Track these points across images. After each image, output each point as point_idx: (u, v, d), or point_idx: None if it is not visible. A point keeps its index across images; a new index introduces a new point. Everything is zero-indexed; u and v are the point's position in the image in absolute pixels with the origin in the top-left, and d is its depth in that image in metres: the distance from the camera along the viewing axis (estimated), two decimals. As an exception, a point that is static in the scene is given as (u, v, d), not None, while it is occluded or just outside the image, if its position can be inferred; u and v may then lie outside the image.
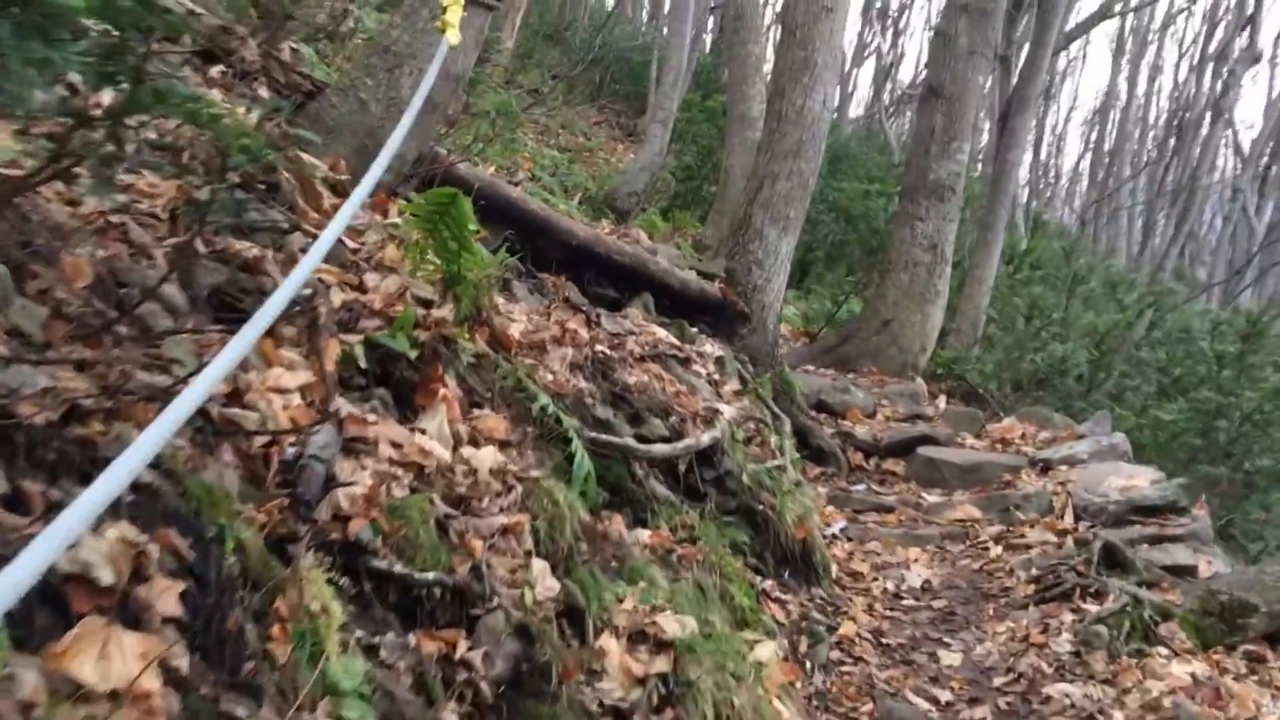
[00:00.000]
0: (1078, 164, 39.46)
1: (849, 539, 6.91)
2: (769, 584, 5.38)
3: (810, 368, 9.93)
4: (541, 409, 4.02)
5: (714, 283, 7.80)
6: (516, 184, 11.77)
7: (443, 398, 3.57)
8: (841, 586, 6.15)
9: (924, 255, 10.09)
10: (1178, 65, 36.83)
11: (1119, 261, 17.26)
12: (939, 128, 10.37)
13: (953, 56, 10.56)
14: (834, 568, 6.25)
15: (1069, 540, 6.44)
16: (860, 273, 14.48)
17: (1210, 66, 30.01)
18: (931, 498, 7.50)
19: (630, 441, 4.80)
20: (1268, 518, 8.50)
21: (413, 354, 3.59)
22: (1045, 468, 7.70)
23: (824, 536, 6.69)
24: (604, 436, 4.70)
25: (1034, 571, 6.11)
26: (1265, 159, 28.94)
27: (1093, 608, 5.49)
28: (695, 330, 7.22)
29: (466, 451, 3.53)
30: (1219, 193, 31.68)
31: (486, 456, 3.54)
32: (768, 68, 12.29)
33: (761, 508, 5.70)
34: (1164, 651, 5.26)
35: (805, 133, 8.05)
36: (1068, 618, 5.45)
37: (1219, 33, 30.54)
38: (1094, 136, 36.87)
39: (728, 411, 5.81)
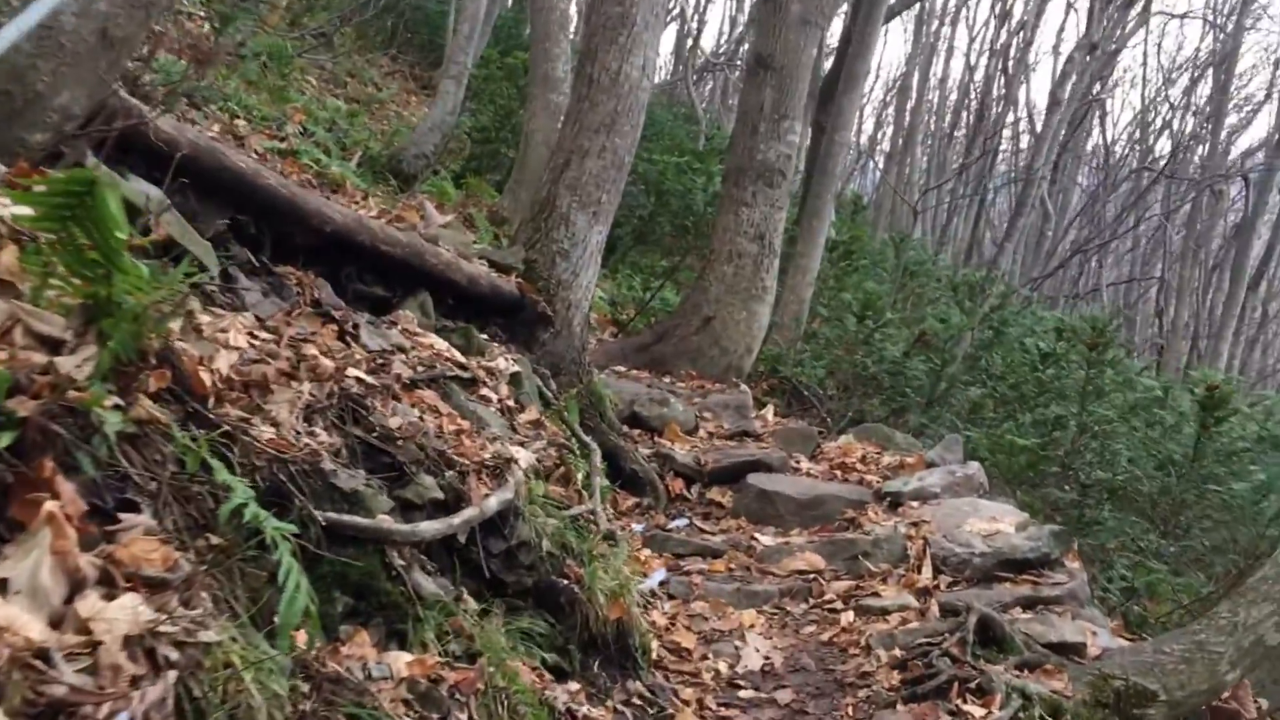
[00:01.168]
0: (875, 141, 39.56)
1: (670, 596, 5.74)
2: (573, 690, 4.12)
3: (621, 368, 8.73)
4: (235, 509, 2.63)
5: (510, 277, 6.48)
6: (284, 140, 10.12)
7: (48, 517, 2.16)
8: (665, 672, 4.97)
9: (750, 246, 9.02)
10: (968, 50, 37.28)
11: (945, 254, 16.87)
12: (768, 104, 9.29)
13: (783, 24, 9.49)
14: (654, 644, 5.06)
15: (932, 605, 5.45)
16: (674, 255, 13.39)
17: (1000, 53, 30.43)
18: (765, 539, 6.41)
19: (386, 523, 3.46)
20: (1119, 544, 7.81)
21: (4, 440, 2.20)
22: (894, 503, 6.73)
23: (640, 595, 5.50)
24: (349, 518, 3.35)
25: (897, 652, 5.08)
26: (1055, 146, 29.54)
27: (976, 711, 4.47)
28: (485, 338, 5.88)
29: (87, 606, 2.15)
30: (1012, 178, 32.27)
31: (121, 615, 2.16)
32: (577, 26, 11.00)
33: (566, 583, 4.45)
34: (1064, 769, 4.30)
35: (621, 103, 6.80)
36: (947, 725, 4.42)
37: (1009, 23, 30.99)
38: (891, 115, 37.13)
39: (524, 456, 4.52)
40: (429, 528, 3.56)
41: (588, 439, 6.00)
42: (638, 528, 6.43)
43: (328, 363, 3.87)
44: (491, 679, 3.43)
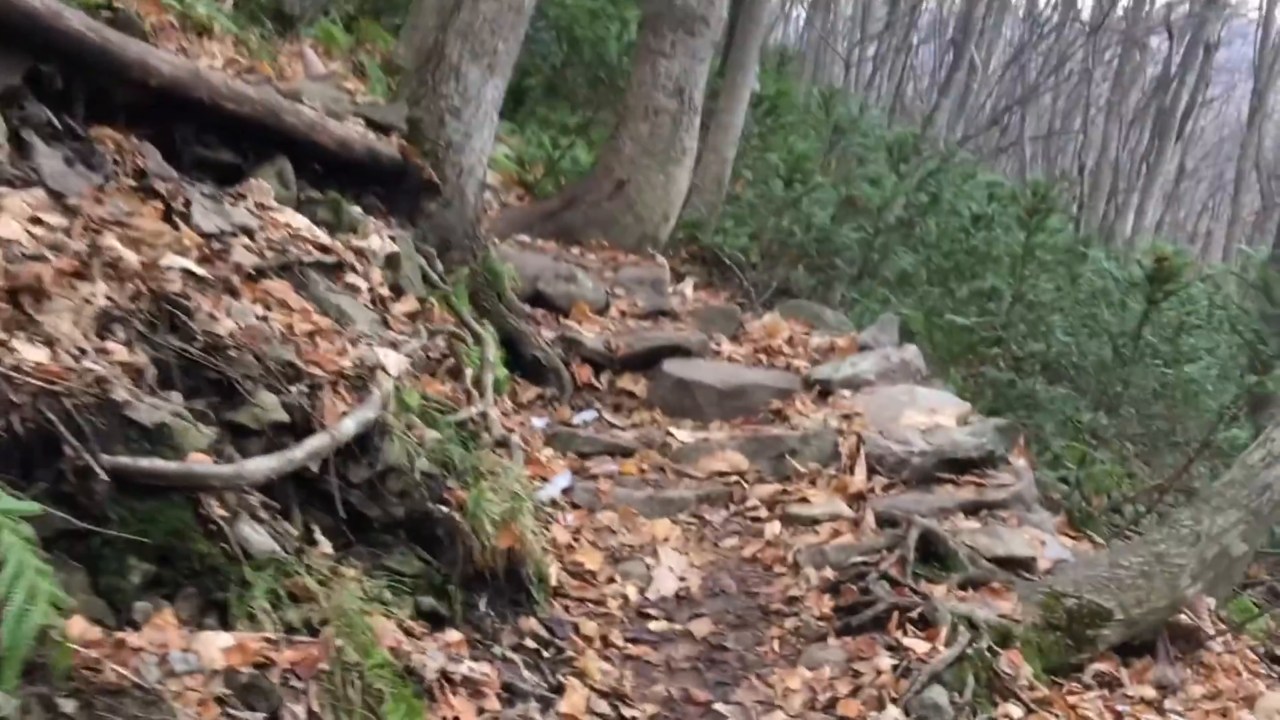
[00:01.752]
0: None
1: (574, 505, 5.14)
2: (451, 642, 3.50)
3: (525, 238, 7.96)
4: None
5: (391, 139, 5.65)
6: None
7: None
8: (565, 601, 4.40)
9: (668, 102, 8.21)
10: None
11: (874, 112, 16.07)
12: (690, -64, 8.37)
13: None
14: (554, 568, 4.47)
15: (867, 515, 4.93)
16: (586, 110, 12.46)
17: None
18: (683, 434, 5.82)
19: (199, 465, 2.76)
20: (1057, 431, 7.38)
21: None
22: (824, 392, 6.17)
23: (539, 506, 4.90)
24: (145, 463, 2.65)
25: (829, 572, 4.56)
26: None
27: (919, 645, 3.97)
28: (360, 211, 5.10)
29: None
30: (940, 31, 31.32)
31: None
32: None
33: (445, 511, 3.81)
34: (1015, 713, 3.84)
35: (520, -68, 5.91)
36: (885, 662, 3.91)
37: None
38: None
39: (394, 361, 3.82)
40: (258, 467, 2.87)
41: (480, 327, 5.29)
42: (539, 423, 5.79)
43: (131, 256, 3.10)
44: (341, 653, 2.79)
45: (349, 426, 3.26)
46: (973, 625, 4.14)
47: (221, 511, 2.79)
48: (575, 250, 7.89)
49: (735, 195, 10.31)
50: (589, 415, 6.06)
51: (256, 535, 2.86)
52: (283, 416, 3.24)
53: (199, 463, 2.73)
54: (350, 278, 4.34)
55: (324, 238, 4.40)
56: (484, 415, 4.71)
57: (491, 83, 5.96)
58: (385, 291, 4.51)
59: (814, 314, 7.45)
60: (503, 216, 8.23)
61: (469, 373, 4.93)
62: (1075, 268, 7.98)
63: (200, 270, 3.50)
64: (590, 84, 13.38)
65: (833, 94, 10.64)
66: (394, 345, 4.02)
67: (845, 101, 12.04)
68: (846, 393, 6.10)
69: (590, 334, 6.52)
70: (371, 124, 5.70)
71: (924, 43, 32.76)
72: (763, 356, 6.70)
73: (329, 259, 4.33)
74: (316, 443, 3.10)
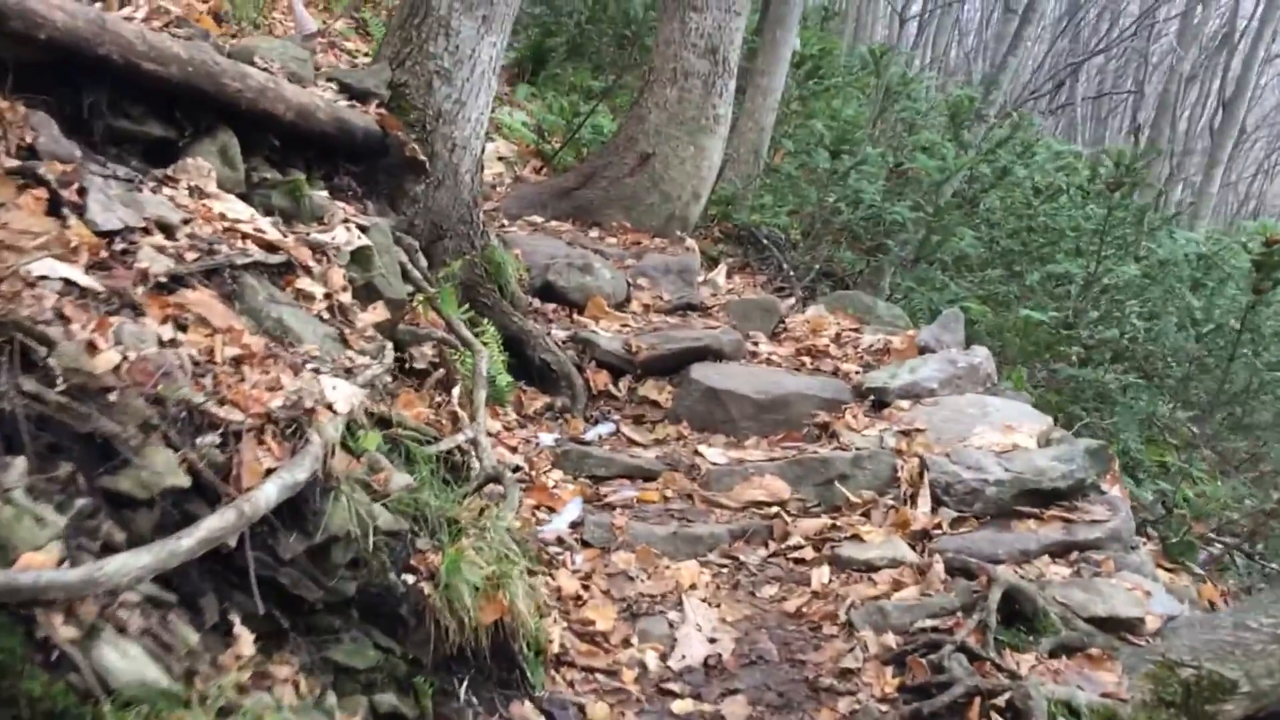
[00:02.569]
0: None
1: (585, 543, 4.40)
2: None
3: (538, 218, 7.21)
4: None
5: (370, 108, 4.90)
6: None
7: None
8: (570, 672, 3.67)
9: (699, 63, 7.40)
10: None
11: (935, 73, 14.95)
12: None
13: None
14: (557, 629, 3.75)
15: (935, 564, 4.15)
16: (612, 73, 11.65)
17: None
18: (713, 453, 5.07)
19: (27, 573, 2.04)
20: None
21: None
22: (878, 403, 5.39)
23: (542, 543, 4.20)
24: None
25: (891, 638, 3.79)
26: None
27: (1010, 749, 3.21)
28: (326, 195, 4.35)
29: None
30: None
31: None
32: None
33: (410, 583, 3.09)
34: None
35: None
36: (968, 771, 3.15)
37: None
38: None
39: (345, 395, 3.07)
40: (122, 568, 2.13)
41: (472, 334, 4.53)
42: (547, 439, 5.05)
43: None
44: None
45: (267, 494, 2.52)
46: (1073, 712, 3.40)
47: (69, 631, 2.06)
48: (593, 233, 7.12)
49: (774, 167, 9.49)
50: (605, 429, 5.31)
51: (123, 659, 2.13)
52: (182, 480, 2.51)
53: (31, 569, 2.00)
54: (302, 282, 3.59)
55: (270, 231, 3.65)
56: (473, 443, 3.97)
57: (488, 39, 5.18)
58: (347, 298, 3.75)
59: (865, 306, 6.64)
60: (513, 194, 7.46)
61: (457, 391, 4.18)
62: (1161, 248, 7.10)
63: (87, 280, 2.77)
64: (617, 43, 12.56)
65: (883, 52, 9.76)
66: (349, 371, 3.27)
67: (896, 61, 11.11)
68: (905, 404, 5.32)
69: (608, 333, 5.76)
70: (346, 90, 4.95)
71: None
72: (806, 359, 5.92)
73: (275, 258, 3.58)
74: (217, 523, 2.35)
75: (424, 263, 4.70)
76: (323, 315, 3.59)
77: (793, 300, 8.16)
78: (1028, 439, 4.90)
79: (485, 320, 5.25)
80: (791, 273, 8.52)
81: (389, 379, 3.68)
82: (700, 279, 6.85)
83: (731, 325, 6.17)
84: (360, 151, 4.76)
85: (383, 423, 3.61)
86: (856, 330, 6.33)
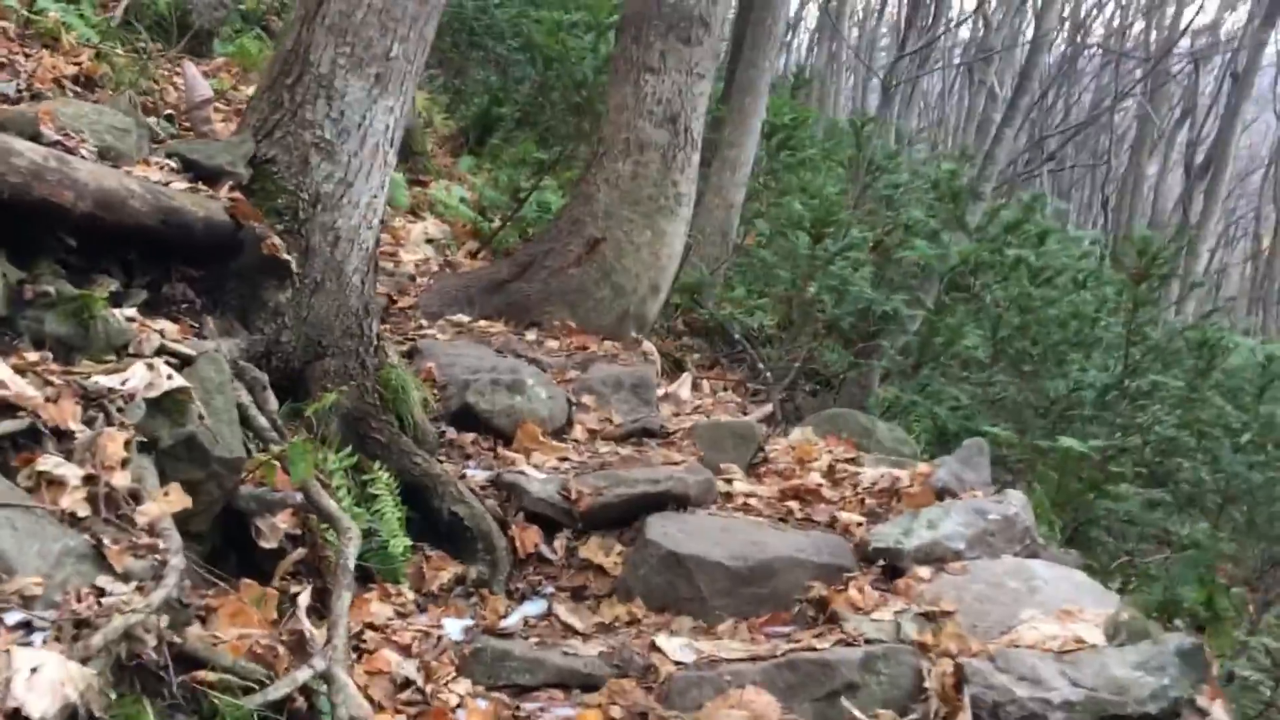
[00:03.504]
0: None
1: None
2: None
3: (463, 317, 6.02)
4: None
5: (221, 190, 3.71)
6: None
7: None
8: None
9: (657, 133, 6.27)
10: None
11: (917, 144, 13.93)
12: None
13: None
14: None
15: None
16: (564, 143, 10.55)
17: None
18: (676, 648, 3.83)
19: None
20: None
21: None
22: (891, 568, 4.19)
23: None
24: None
25: None
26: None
27: None
28: (133, 313, 3.14)
29: None
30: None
31: None
32: None
33: None
34: None
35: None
36: None
37: None
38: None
39: (49, 689, 1.80)
40: None
41: (335, 505, 3.30)
42: (454, 629, 3.81)
43: None
44: None
45: None
46: None
47: None
48: (530, 335, 5.93)
49: (745, 250, 8.38)
50: (534, 608, 4.08)
51: None
52: None
53: None
54: (47, 460, 2.36)
55: (10, 380, 2.42)
56: (325, 679, 2.72)
57: (383, 103, 4.02)
58: (124, 479, 2.51)
59: (861, 428, 5.47)
60: (435, 287, 6.26)
61: (305, 598, 2.95)
62: (1207, 354, 6.00)
63: None
64: (574, 111, 11.49)
65: (865, 122, 8.72)
66: (81, 627, 2.02)
67: (881, 132, 10.06)
68: (925, 572, 4.12)
69: (541, 474, 4.53)
70: (192, 168, 3.76)
71: (937, 70, 31.02)
72: (794, 504, 4.71)
73: (9, 424, 2.34)
74: None
75: (274, 403, 3.48)
76: (76, 514, 2.35)
77: (769, 407, 7.02)
78: (1092, 629, 3.71)
79: (378, 464, 4.05)
80: (768, 374, 7.39)
81: (182, 596, 2.44)
82: (660, 392, 5.65)
83: (699, 457, 4.96)
84: (202, 250, 3.56)
85: (180, 661, 2.39)
86: (853, 460, 5.15)
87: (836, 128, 18.92)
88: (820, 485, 4.82)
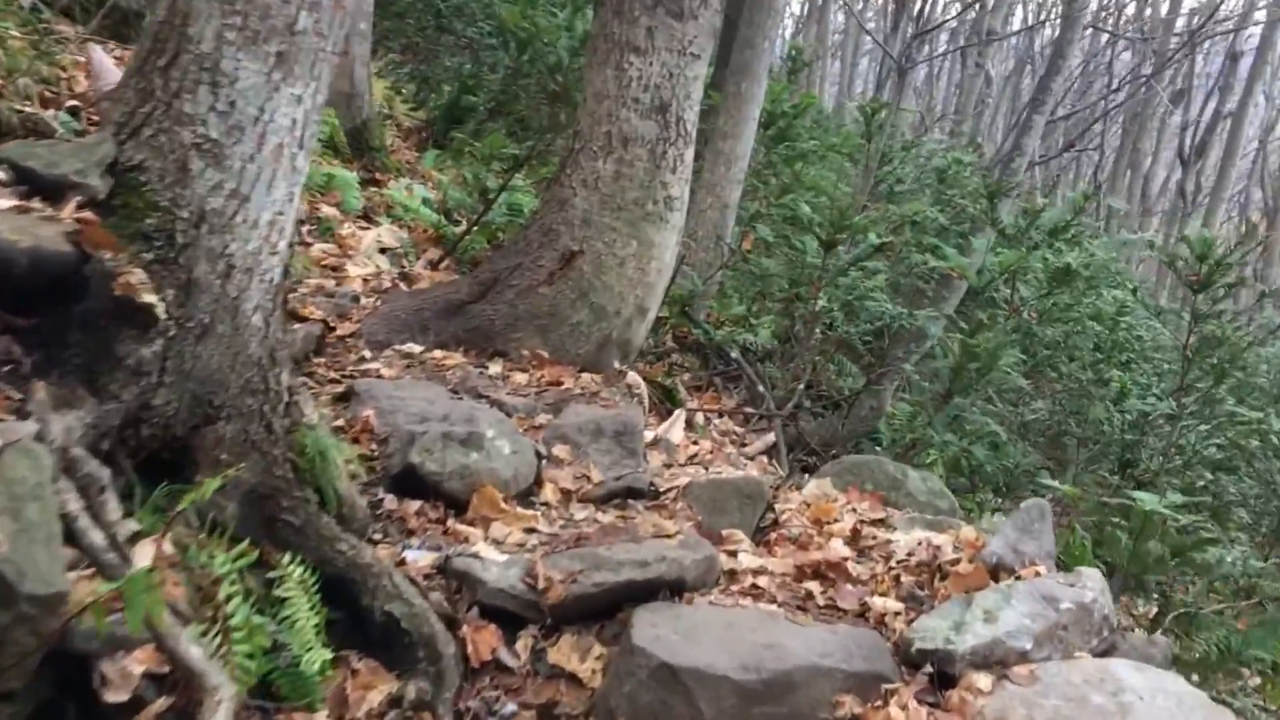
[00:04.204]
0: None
1: None
2: None
3: (414, 346, 5.15)
4: None
5: (65, 210, 2.84)
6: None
7: None
8: None
9: (643, 124, 5.40)
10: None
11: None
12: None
13: None
14: None
15: None
16: (538, 136, 9.68)
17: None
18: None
19: None
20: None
21: None
22: (941, 677, 3.35)
23: None
24: None
25: None
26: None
27: None
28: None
29: None
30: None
31: None
32: None
33: None
34: None
35: None
36: None
37: None
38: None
39: None
40: None
41: (199, 656, 2.44)
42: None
43: None
44: None
45: None
46: None
47: None
48: (494, 368, 5.07)
49: (741, 255, 7.51)
50: (489, 742, 3.23)
51: None
52: None
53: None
54: None
55: None
56: None
57: (287, 90, 3.15)
58: None
59: (888, 479, 4.63)
60: (383, 309, 5.38)
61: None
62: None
63: None
64: (549, 99, 10.59)
65: (878, 109, 7.85)
66: None
67: (896, 119, 9.15)
68: (984, 682, 3.29)
69: (500, 554, 3.68)
70: (27, 180, 2.88)
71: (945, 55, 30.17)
72: (814, 584, 3.86)
73: None
74: None
75: (115, 511, 2.60)
76: None
77: (771, 437, 6.21)
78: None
79: (290, 555, 3.19)
80: (769, 396, 6.54)
81: None
82: (649, 435, 4.80)
83: (696, 524, 4.12)
84: (30, 293, 2.68)
85: None
86: (882, 522, 4.31)
87: (824, 116, 18.01)
88: (845, 558, 3.97)
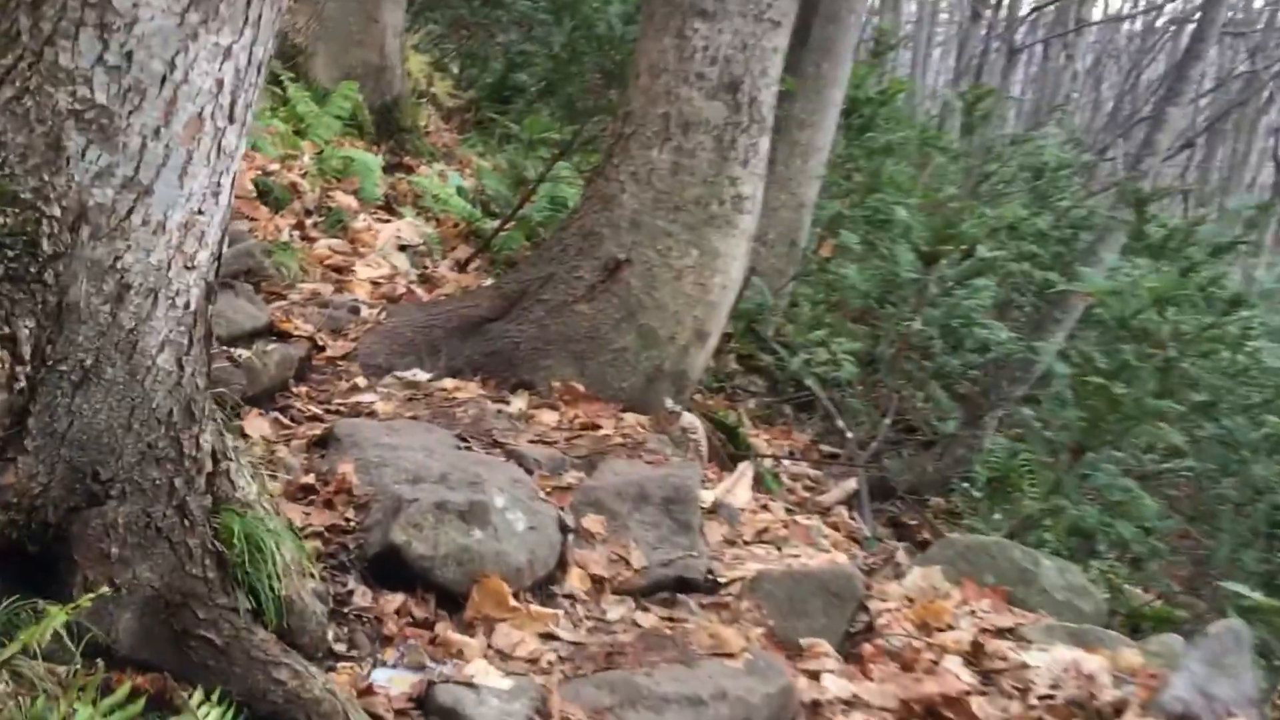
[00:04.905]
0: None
1: None
2: None
3: (419, 374, 4.23)
4: None
5: None
6: None
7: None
8: None
9: (709, 106, 4.43)
10: None
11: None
12: None
13: None
14: None
15: None
16: (582, 120, 8.72)
17: None
18: None
19: None
20: None
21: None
22: None
23: None
24: None
25: None
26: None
27: None
28: None
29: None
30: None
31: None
32: None
33: None
34: None
35: None
36: None
37: None
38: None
39: None
40: None
41: None
42: None
43: None
44: None
45: None
46: None
47: None
48: (516, 403, 4.15)
49: (818, 264, 6.54)
50: None
51: None
52: None
53: None
54: None
55: None
56: None
57: (207, 39, 2.24)
58: None
59: (1015, 570, 3.64)
60: (385, 327, 4.46)
61: None
62: None
63: None
64: (602, 77, 9.65)
65: (982, 95, 6.85)
66: None
67: (1000, 107, 8.10)
68: None
69: (501, 680, 2.74)
70: None
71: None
72: (929, 729, 2.90)
73: None
74: None
75: None
76: None
77: (852, 483, 5.33)
78: None
79: (198, 693, 2.31)
80: (851, 437, 5.60)
81: None
82: (707, 498, 3.85)
83: (767, 631, 3.17)
84: None
85: None
86: (1011, 631, 3.34)
87: (895, 109, 16.89)
88: (966, 691, 3.00)
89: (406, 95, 8.16)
